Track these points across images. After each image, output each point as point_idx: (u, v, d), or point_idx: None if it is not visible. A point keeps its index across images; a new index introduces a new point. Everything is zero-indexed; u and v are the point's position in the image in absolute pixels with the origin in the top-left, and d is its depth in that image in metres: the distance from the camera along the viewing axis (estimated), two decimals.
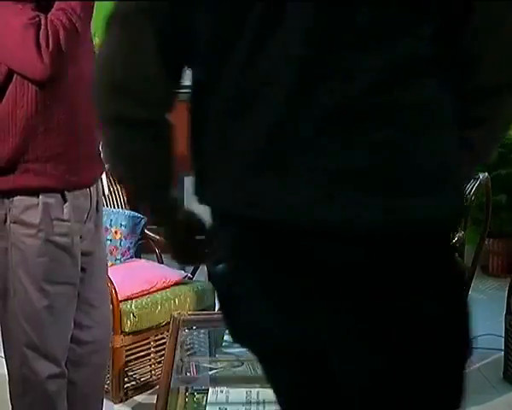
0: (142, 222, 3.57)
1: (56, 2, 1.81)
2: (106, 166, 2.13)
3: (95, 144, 2.03)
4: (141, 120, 1.18)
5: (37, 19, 1.76)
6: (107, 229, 3.42)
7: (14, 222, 1.90)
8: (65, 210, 1.93)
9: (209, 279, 1.37)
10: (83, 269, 2.04)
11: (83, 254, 2.02)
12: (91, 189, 2.05)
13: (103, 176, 2.41)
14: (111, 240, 3.44)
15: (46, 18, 1.77)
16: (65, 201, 1.93)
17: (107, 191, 3.67)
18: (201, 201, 1.17)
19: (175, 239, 1.38)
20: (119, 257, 3.47)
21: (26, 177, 1.88)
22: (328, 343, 1.08)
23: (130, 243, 3.53)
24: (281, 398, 1.36)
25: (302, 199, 0.98)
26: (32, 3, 1.80)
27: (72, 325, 2.00)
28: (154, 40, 1.10)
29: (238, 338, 1.23)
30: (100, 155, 2.08)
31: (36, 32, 1.74)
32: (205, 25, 1.07)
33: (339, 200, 0.97)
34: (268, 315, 1.11)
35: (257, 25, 1.01)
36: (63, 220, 1.93)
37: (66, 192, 1.93)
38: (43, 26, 1.75)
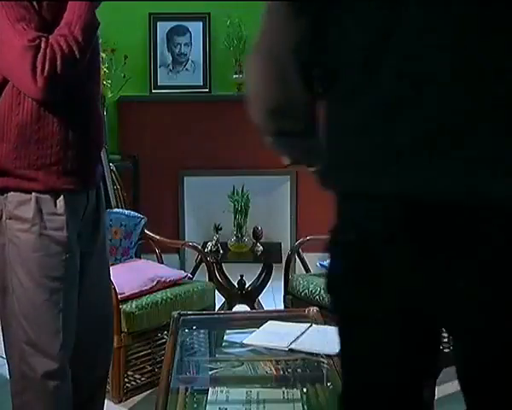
0: (142, 222, 3.58)
1: (59, 27, 1.84)
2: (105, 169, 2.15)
3: (91, 154, 2.04)
4: (296, 130, 1.47)
5: (37, 41, 1.78)
6: (107, 229, 3.43)
7: (10, 218, 1.92)
8: (58, 204, 1.93)
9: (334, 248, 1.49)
10: (81, 270, 2.03)
11: (81, 254, 2.02)
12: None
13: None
14: (111, 240, 3.44)
15: (47, 41, 1.79)
16: (58, 195, 1.94)
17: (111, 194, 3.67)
18: (341, 184, 1.38)
19: None
20: (119, 257, 3.47)
21: (18, 181, 1.91)
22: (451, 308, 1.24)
23: (130, 243, 3.53)
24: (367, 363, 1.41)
25: (467, 179, 1.16)
26: (37, 23, 1.82)
27: (75, 322, 2.00)
28: (297, 71, 1.37)
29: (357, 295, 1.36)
30: (98, 161, 2.09)
31: (34, 55, 1.77)
32: (351, 40, 1.28)
33: (500, 178, 1.15)
34: (413, 281, 1.25)
35: (406, 35, 1.19)
36: (57, 214, 1.93)
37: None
38: (42, 50, 1.78)
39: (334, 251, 1.47)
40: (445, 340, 3.37)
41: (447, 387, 2.38)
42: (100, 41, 2.15)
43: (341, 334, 1.44)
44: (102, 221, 2.17)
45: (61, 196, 1.94)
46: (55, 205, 1.93)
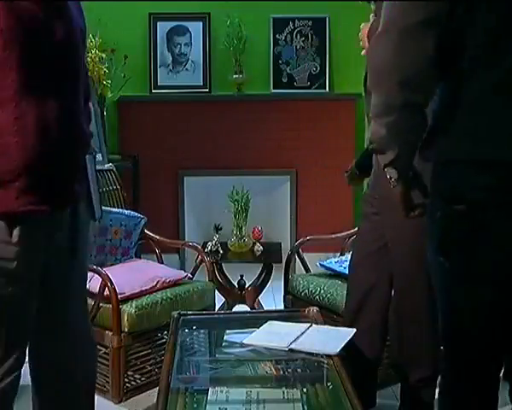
0: (142, 222, 3.57)
1: None
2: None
3: (64, 166, 1.81)
4: (420, 103, 1.61)
5: None
6: (107, 229, 3.42)
7: None
8: (14, 233, 1.73)
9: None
10: (46, 295, 1.90)
11: (48, 279, 1.88)
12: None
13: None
14: (111, 240, 3.44)
15: None
16: (16, 219, 1.72)
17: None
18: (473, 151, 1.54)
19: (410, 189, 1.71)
20: (119, 257, 3.47)
21: None
22: None
23: (130, 243, 3.53)
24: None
25: None
26: None
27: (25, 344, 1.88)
28: (431, 46, 1.53)
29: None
30: (74, 174, 1.86)
31: None
32: (482, 25, 1.50)
33: None
34: None
35: None
36: (10, 244, 1.73)
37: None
38: None
39: (450, 215, 1.59)
40: None
41: None
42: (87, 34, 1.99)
43: (452, 291, 1.63)
44: (82, 246, 1.98)
45: (19, 226, 1.73)
46: (10, 232, 1.72)
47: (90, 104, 2.03)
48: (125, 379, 3.00)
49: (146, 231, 3.62)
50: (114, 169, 3.81)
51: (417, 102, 1.60)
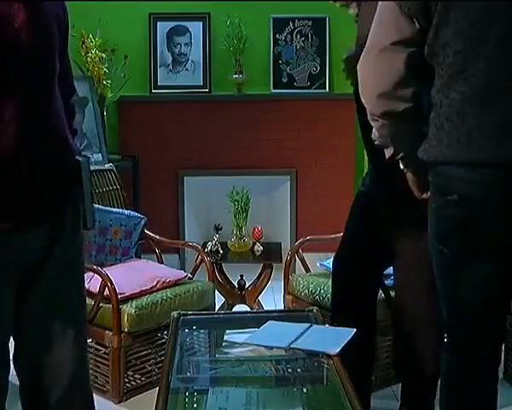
0: (142, 222, 3.58)
1: None
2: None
3: (30, 180, 1.57)
4: (398, 111, 1.87)
5: None
6: (107, 229, 3.43)
7: None
8: None
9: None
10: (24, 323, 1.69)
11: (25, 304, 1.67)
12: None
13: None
14: (111, 240, 3.44)
15: None
16: None
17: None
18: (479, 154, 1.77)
19: (419, 176, 1.98)
20: (119, 257, 3.47)
21: None
22: None
23: (130, 243, 3.53)
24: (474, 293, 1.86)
25: None
26: None
27: None
28: (405, 63, 1.82)
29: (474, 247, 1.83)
30: (51, 188, 1.62)
31: None
32: (452, 47, 1.77)
33: None
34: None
35: (503, 32, 1.72)
36: None
37: None
38: None
39: (446, 208, 1.84)
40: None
41: None
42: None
43: (450, 270, 1.87)
44: (69, 262, 1.72)
45: None
46: None
47: (73, 99, 1.83)
48: (125, 379, 3.00)
49: (146, 231, 3.62)
50: (114, 169, 3.81)
51: (395, 111, 1.86)
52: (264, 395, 2.05)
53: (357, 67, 1.92)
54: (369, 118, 1.94)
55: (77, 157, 1.69)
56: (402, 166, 2.00)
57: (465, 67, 1.76)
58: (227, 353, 2.45)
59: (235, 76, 4.91)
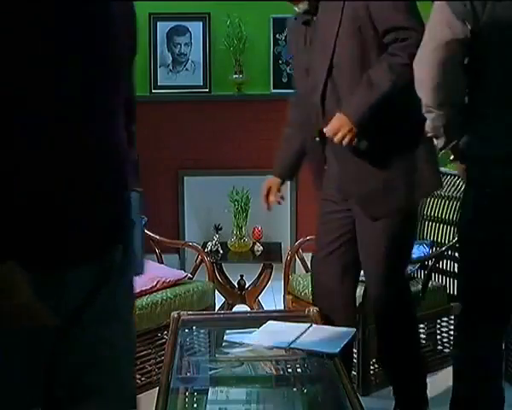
0: (142, 222, 3.57)
1: None
2: None
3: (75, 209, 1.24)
4: (452, 103, 2.12)
5: None
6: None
7: None
8: None
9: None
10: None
11: None
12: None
13: None
14: None
15: None
16: None
17: None
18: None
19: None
20: None
21: None
22: None
23: None
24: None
25: None
26: None
27: None
28: (457, 59, 2.06)
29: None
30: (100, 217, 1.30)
31: None
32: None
33: None
34: None
35: None
36: None
37: None
38: None
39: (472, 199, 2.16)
40: (445, 340, 3.39)
41: (451, 386, 2.37)
42: None
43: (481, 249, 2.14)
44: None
45: None
46: None
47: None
48: None
49: (146, 230, 3.62)
50: None
51: (448, 103, 2.10)
52: (264, 395, 2.06)
53: (413, 63, 2.13)
54: (423, 111, 2.13)
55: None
56: (452, 157, 2.26)
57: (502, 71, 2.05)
58: (227, 353, 2.44)
59: (235, 76, 4.91)
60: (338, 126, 2.34)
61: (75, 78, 1.21)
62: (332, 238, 2.62)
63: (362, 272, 2.69)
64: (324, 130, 2.40)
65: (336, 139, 2.34)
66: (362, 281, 2.87)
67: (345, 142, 2.33)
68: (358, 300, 2.84)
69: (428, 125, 2.18)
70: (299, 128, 2.70)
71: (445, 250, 3.30)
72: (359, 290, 2.90)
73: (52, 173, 1.20)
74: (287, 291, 3.40)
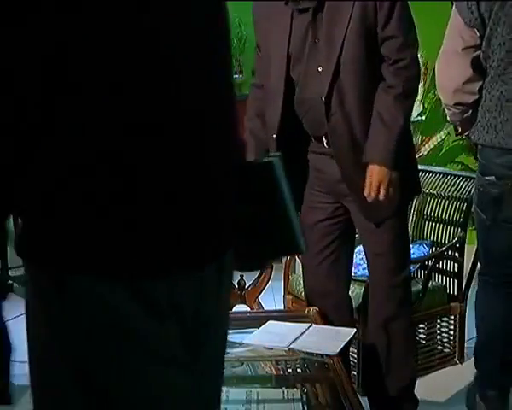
0: None
1: None
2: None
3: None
4: (469, 103, 2.51)
5: None
6: None
7: None
8: None
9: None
10: None
11: None
12: None
13: None
14: None
15: None
16: None
17: None
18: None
19: None
20: None
21: None
22: None
23: None
24: None
25: None
26: None
27: None
28: (471, 64, 2.44)
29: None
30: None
31: None
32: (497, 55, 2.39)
33: None
34: None
35: None
36: None
37: None
38: None
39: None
40: (445, 341, 3.40)
41: (451, 386, 2.37)
42: None
43: (489, 231, 2.52)
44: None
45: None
46: None
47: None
48: None
49: None
50: None
51: (465, 102, 2.49)
52: (264, 395, 2.05)
53: (435, 68, 2.58)
54: (444, 107, 2.63)
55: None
56: (459, 130, 2.72)
57: (504, 72, 2.37)
58: (227, 353, 2.44)
59: (235, 76, 4.91)
60: (378, 183, 2.34)
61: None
62: (321, 247, 2.60)
63: (354, 272, 2.71)
64: (365, 193, 2.36)
65: (381, 197, 2.35)
66: (361, 281, 2.87)
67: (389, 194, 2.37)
68: (358, 300, 2.84)
69: (449, 117, 2.66)
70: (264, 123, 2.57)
71: (445, 250, 3.31)
72: (359, 290, 2.90)
73: (213, 174, 1.12)
74: (287, 291, 3.40)
